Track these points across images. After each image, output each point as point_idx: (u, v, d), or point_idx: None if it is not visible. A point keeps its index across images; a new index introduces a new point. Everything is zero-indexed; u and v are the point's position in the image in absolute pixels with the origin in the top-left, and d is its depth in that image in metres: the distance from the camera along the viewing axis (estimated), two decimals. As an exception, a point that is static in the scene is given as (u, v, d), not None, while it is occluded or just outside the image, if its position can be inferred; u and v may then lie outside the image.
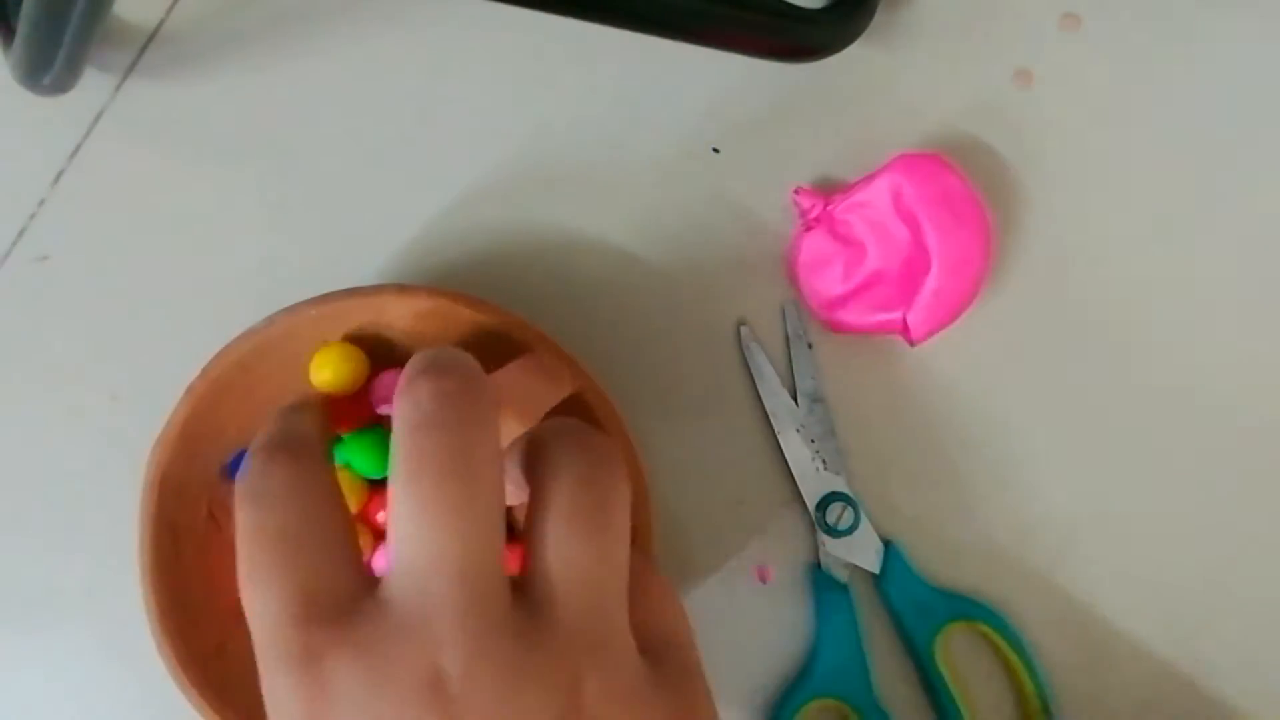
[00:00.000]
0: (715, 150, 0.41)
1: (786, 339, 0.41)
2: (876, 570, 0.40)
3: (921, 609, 0.40)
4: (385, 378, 0.38)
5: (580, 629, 0.24)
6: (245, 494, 0.27)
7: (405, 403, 0.25)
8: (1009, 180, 0.41)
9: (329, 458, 0.33)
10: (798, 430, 0.40)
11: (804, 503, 0.41)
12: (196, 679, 0.35)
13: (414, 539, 0.24)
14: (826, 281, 0.39)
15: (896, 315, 0.38)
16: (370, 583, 0.26)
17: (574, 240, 0.41)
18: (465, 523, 0.24)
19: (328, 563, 0.26)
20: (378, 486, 0.37)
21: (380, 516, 0.37)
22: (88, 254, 0.41)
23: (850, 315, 0.39)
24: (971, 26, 0.41)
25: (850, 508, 0.40)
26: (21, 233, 0.40)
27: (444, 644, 0.23)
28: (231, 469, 0.38)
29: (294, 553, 0.25)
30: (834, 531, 0.40)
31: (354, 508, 0.36)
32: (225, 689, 0.35)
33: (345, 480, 0.36)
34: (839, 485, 0.40)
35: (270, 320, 0.35)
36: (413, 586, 0.24)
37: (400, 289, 0.36)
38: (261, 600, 0.25)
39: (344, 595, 0.25)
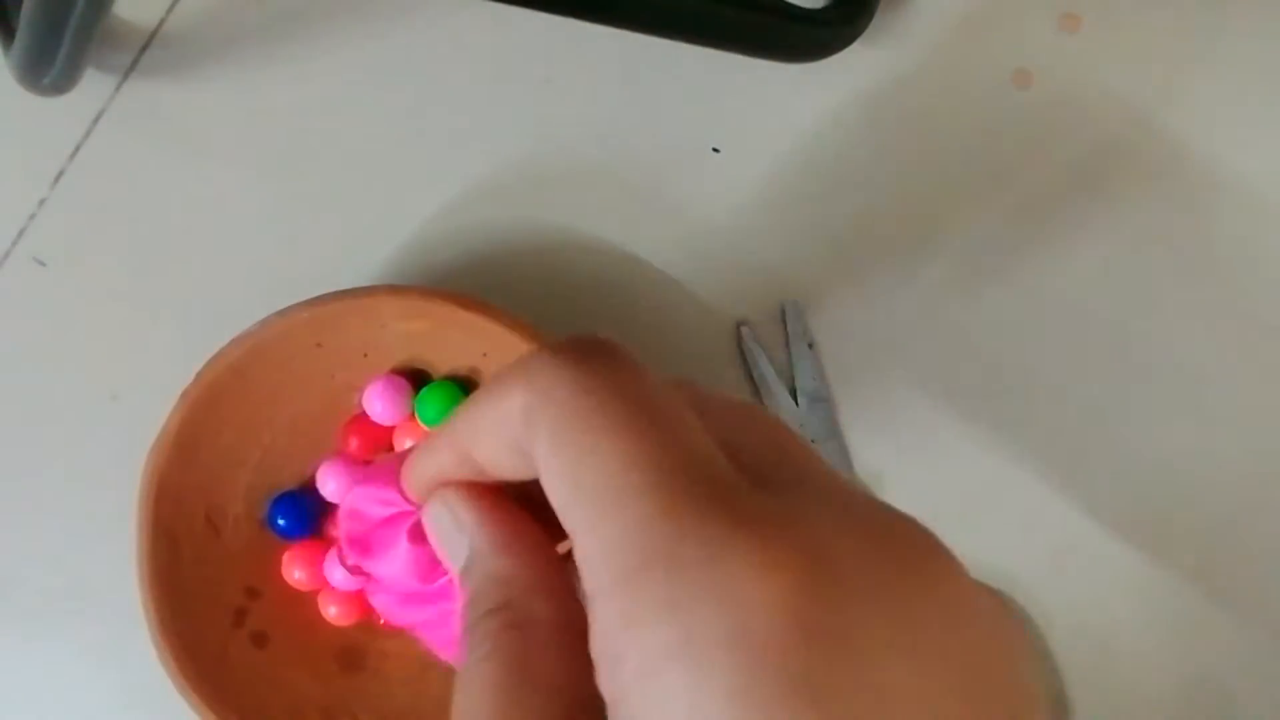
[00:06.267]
0: (715, 150, 0.41)
1: (786, 339, 0.41)
2: (876, 570, 0.40)
3: (921, 609, 0.40)
4: (376, 384, 0.37)
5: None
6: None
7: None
8: (1009, 180, 0.41)
9: None
10: (798, 430, 0.40)
11: (804, 503, 0.40)
12: (197, 683, 0.35)
13: None
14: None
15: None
16: None
17: (574, 240, 0.41)
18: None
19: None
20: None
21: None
22: (88, 254, 0.41)
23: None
24: (971, 26, 0.41)
25: (850, 508, 0.40)
26: (21, 233, 0.40)
27: None
28: (272, 513, 0.38)
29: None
30: (834, 532, 0.40)
31: None
32: (225, 692, 0.35)
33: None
34: (839, 485, 0.40)
35: (263, 324, 0.35)
36: None
37: (393, 290, 0.36)
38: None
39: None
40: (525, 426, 0.19)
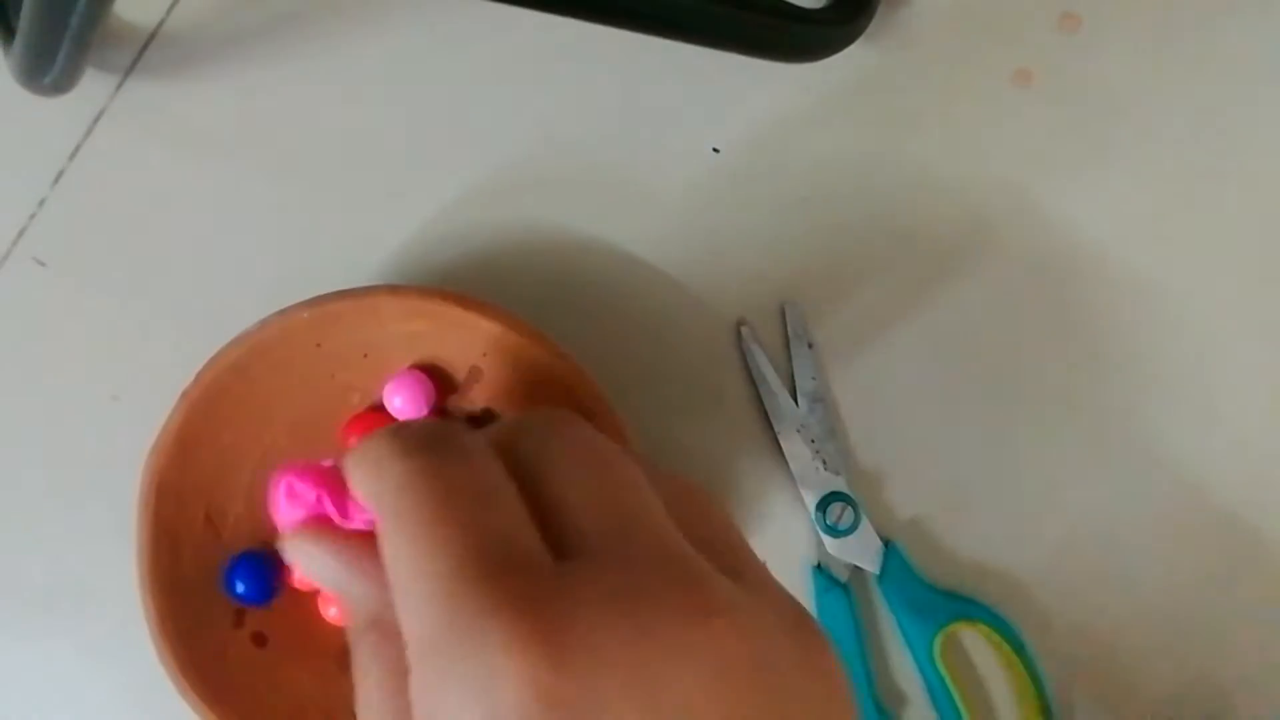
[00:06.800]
0: (715, 150, 0.41)
1: (786, 339, 0.41)
2: (876, 570, 0.40)
3: (921, 609, 0.40)
4: (402, 379, 0.37)
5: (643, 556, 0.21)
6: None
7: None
8: (1008, 180, 0.41)
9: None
10: (798, 430, 0.40)
11: (804, 503, 0.41)
12: (197, 684, 0.35)
13: None
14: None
15: None
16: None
17: (573, 240, 0.41)
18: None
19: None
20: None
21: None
22: (88, 254, 0.41)
23: None
24: (971, 26, 0.41)
25: (850, 508, 0.40)
26: (21, 233, 0.40)
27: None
28: (230, 578, 0.37)
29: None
30: (834, 531, 0.40)
31: None
32: (226, 693, 0.35)
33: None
34: (839, 485, 0.40)
35: (263, 324, 0.35)
36: None
37: (393, 290, 0.36)
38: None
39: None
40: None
